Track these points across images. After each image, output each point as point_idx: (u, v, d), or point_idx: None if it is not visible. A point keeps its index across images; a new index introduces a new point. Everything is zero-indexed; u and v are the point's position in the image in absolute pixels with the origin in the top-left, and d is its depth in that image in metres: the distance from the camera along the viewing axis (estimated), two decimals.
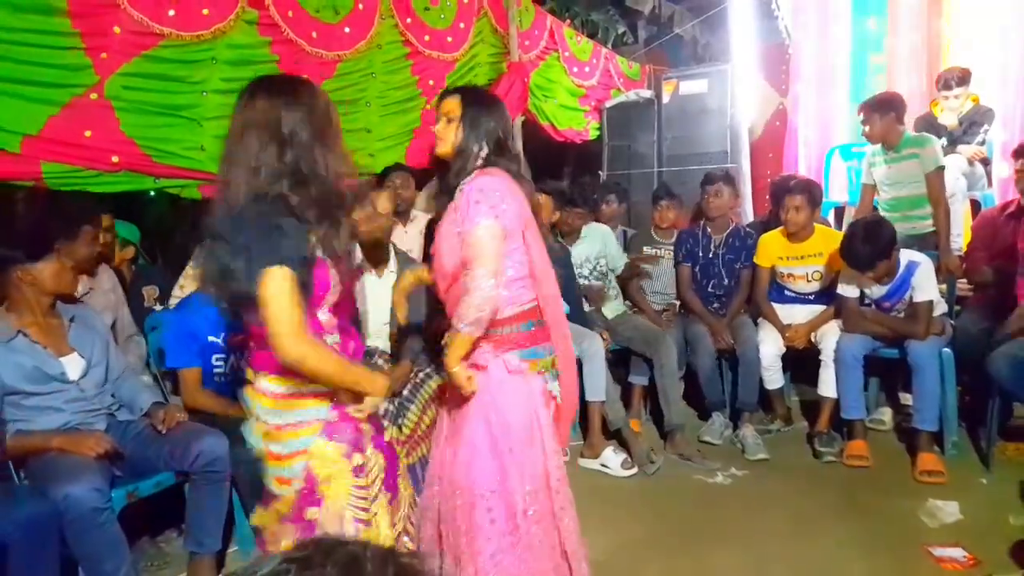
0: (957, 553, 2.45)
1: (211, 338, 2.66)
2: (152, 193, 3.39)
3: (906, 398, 3.71)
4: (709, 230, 3.91)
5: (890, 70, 5.50)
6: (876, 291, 3.37)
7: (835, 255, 3.44)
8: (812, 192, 3.68)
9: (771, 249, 3.74)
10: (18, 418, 2.27)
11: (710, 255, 3.88)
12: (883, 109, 3.84)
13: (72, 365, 2.36)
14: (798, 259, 3.68)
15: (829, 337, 3.47)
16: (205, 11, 3.11)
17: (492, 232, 1.90)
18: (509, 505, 1.96)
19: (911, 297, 3.28)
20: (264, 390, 1.63)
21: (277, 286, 1.47)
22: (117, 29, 2.86)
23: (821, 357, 3.46)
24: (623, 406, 3.59)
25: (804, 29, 5.93)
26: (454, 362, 1.92)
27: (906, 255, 3.30)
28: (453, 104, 2.07)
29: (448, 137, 2.05)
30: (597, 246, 3.92)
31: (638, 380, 3.79)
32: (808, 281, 3.69)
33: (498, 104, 2.16)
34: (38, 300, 2.32)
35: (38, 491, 2.11)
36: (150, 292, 3.23)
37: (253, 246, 1.47)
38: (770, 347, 3.60)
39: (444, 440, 2.15)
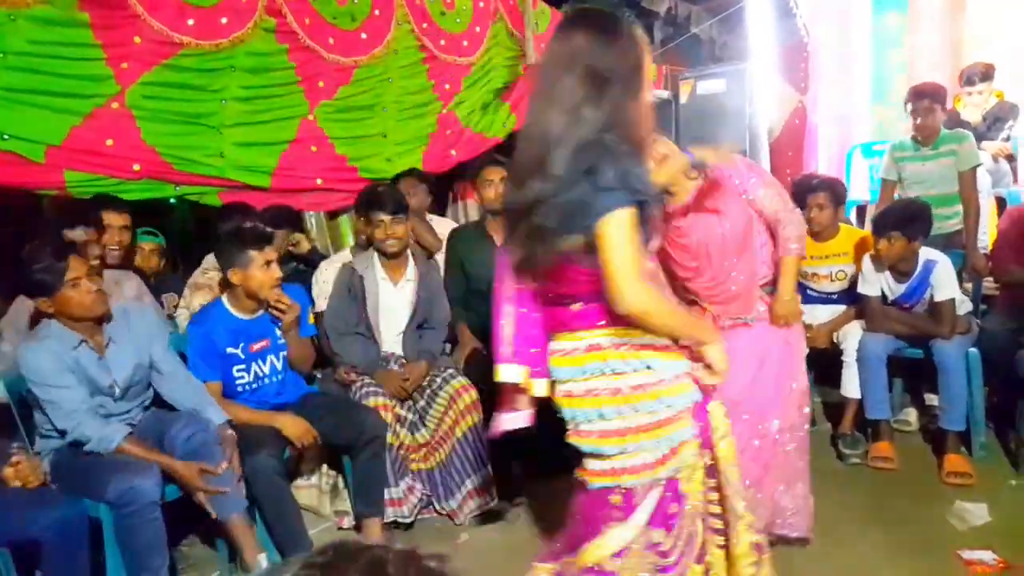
0: (987, 556, 2.39)
1: (229, 349, 2.60)
2: (173, 201, 3.42)
3: (931, 399, 3.64)
4: None
5: (911, 67, 5.43)
6: (895, 290, 3.31)
7: (860, 254, 3.38)
8: (835, 190, 3.60)
9: None
10: (45, 421, 2.25)
11: None
12: (942, 101, 3.72)
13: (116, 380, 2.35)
14: (822, 258, 3.62)
15: (851, 337, 3.41)
16: (223, 20, 3.15)
17: (777, 186, 2.41)
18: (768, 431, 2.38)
19: (931, 296, 3.22)
20: (600, 343, 1.48)
21: (623, 229, 1.37)
22: (137, 39, 2.90)
23: (843, 357, 3.40)
24: None
25: (823, 27, 5.88)
26: (790, 289, 2.36)
27: (924, 253, 3.22)
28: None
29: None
30: None
31: None
32: (832, 281, 3.63)
33: None
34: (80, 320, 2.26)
35: (75, 492, 2.13)
36: (170, 300, 3.23)
37: (599, 188, 1.36)
38: None
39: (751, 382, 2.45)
